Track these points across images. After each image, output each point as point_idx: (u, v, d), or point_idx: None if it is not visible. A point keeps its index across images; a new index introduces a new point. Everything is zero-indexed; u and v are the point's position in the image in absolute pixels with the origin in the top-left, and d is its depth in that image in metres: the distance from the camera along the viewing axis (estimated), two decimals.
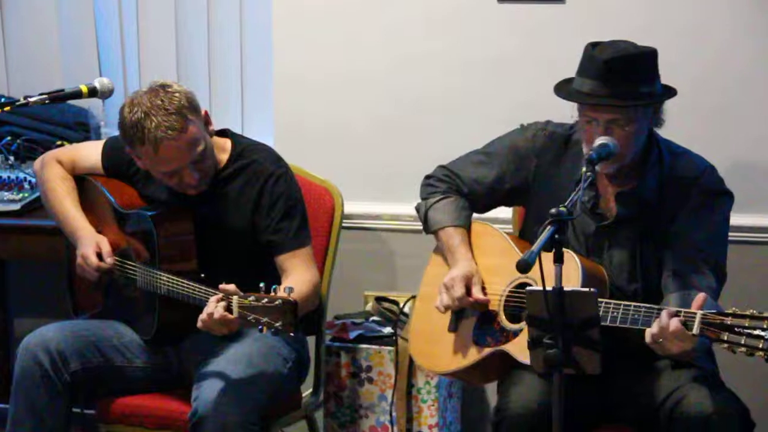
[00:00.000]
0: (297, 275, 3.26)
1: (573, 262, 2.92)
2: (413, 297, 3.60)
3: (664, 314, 2.73)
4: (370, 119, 4.08)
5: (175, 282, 3.15)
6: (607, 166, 2.98)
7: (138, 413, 3.35)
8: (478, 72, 3.95)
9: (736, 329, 2.60)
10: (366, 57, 4.05)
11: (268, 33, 4.18)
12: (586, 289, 2.64)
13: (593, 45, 3.00)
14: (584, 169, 2.78)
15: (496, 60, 3.93)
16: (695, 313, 2.69)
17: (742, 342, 2.59)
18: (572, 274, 2.90)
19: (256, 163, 3.35)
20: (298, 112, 4.14)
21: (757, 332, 2.57)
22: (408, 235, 4.06)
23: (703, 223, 3.01)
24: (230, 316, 2.94)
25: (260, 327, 2.87)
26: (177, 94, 3.15)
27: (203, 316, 2.98)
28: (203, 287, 3.07)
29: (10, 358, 4.47)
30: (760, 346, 2.57)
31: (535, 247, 2.55)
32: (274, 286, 2.90)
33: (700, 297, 2.73)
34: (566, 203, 2.62)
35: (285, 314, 2.85)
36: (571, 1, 3.86)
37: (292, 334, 2.88)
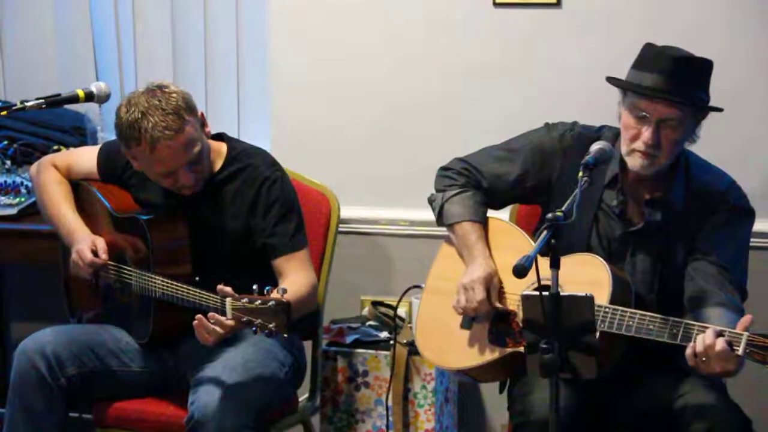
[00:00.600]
0: (293, 278, 3.26)
1: (604, 270, 2.93)
2: (411, 289, 3.55)
3: (709, 333, 2.71)
4: (367, 124, 4.08)
5: (169, 286, 3.15)
6: (645, 169, 2.98)
7: (135, 417, 3.35)
8: (476, 77, 3.95)
9: None
10: (363, 62, 4.05)
11: (265, 37, 4.18)
12: (582, 294, 2.63)
13: (651, 45, 3.01)
14: (581, 173, 2.77)
15: (493, 65, 3.93)
16: (741, 335, 2.68)
17: None
18: (603, 281, 2.90)
19: (252, 167, 3.35)
20: (295, 116, 4.14)
21: None
22: (405, 239, 4.06)
23: (729, 241, 3.02)
24: (224, 319, 2.94)
25: (254, 328, 2.87)
26: (174, 95, 3.15)
27: (200, 332, 2.99)
28: (197, 290, 3.06)
29: (7, 363, 4.47)
30: None
31: (532, 251, 2.55)
32: (267, 288, 2.90)
33: (747, 318, 2.72)
34: (563, 208, 2.62)
35: (278, 315, 2.85)
36: (568, 5, 3.86)
37: (285, 336, 2.88)
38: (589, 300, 2.62)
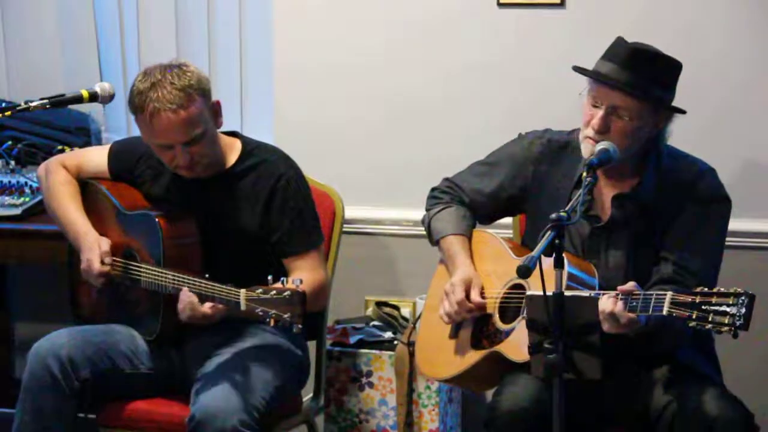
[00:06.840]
0: (304, 276, 3.25)
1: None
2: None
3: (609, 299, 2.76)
4: (372, 123, 4.08)
5: (180, 280, 3.14)
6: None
7: (143, 418, 3.34)
8: (480, 76, 3.96)
9: (703, 307, 2.62)
10: (368, 61, 4.05)
11: (269, 37, 4.19)
12: (587, 294, 2.63)
13: (621, 38, 3.02)
14: (584, 174, 2.78)
15: (497, 64, 3.94)
16: (665, 294, 2.69)
17: (710, 319, 2.60)
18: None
19: (267, 163, 3.35)
20: (299, 116, 4.14)
21: (723, 308, 2.59)
22: (409, 239, 4.06)
23: (695, 239, 3.00)
24: (202, 307, 3.02)
25: (268, 319, 2.87)
26: (189, 74, 3.18)
27: (182, 307, 3.06)
28: (210, 283, 3.05)
29: (12, 362, 4.48)
30: (726, 321, 2.58)
31: (536, 252, 2.55)
32: (282, 279, 2.90)
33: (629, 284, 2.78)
34: (566, 208, 2.62)
35: (294, 306, 2.84)
36: (572, 6, 3.86)
37: (300, 326, 2.85)
38: (593, 300, 2.62)
